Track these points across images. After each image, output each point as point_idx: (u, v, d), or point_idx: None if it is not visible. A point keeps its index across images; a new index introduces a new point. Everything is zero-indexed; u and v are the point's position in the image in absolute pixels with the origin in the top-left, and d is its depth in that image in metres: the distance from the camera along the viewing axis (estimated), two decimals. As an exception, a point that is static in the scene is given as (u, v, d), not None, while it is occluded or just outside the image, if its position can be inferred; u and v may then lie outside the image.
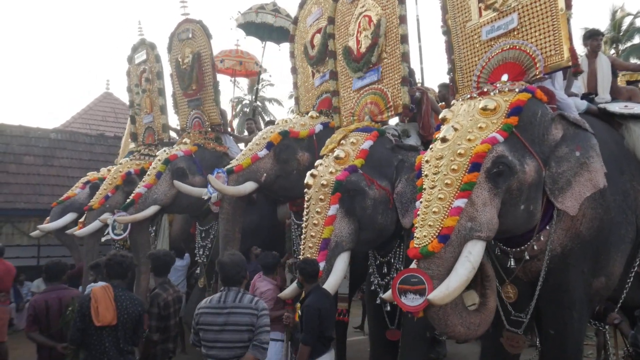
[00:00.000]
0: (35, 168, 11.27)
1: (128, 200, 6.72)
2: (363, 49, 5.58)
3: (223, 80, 12.14)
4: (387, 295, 3.82)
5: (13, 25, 57.65)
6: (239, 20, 10.23)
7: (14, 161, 11.12)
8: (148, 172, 6.93)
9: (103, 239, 7.49)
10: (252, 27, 10.36)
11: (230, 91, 35.24)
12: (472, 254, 3.29)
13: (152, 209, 6.56)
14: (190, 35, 7.60)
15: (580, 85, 5.19)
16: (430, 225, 3.37)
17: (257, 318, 3.28)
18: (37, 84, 50.42)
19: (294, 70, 7.13)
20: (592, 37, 5.44)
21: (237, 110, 28.65)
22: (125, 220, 6.54)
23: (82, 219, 7.67)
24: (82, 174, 9.48)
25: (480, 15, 4.45)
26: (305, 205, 4.86)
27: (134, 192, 6.74)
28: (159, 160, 6.90)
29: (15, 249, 10.34)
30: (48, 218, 8.43)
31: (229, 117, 9.84)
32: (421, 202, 3.56)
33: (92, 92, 31.88)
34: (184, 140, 7.22)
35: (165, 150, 7.15)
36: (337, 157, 4.88)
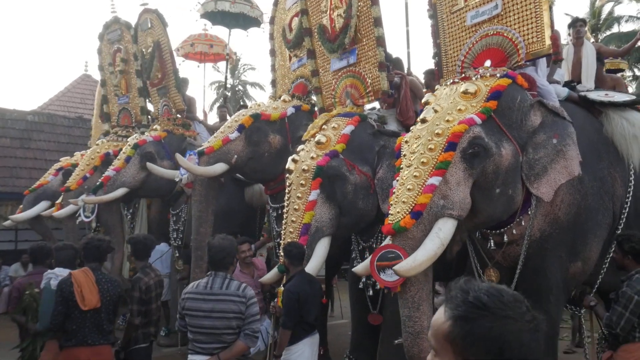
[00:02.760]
0: (11, 151, 11.04)
1: (97, 183, 6.90)
2: (337, 29, 5.49)
3: (200, 65, 11.94)
4: (361, 267, 3.85)
5: (-13, 4, 55.94)
6: (200, 11, 10.09)
7: (-10, 143, 10.88)
8: (118, 157, 7.13)
9: (45, 213, 7.72)
10: (217, 16, 10.20)
11: (209, 76, 34.79)
12: (442, 230, 3.35)
13: (120, 191, 6.76)
14: (149, 25, 7.79)
15: (564, 73, 5.23)
16: (403, 202, 3.42)
17: (246, 307, 3.26)
18: (13, 65, 49.18)
19: (272, 53, 7.07)
20: (575, 24, 5.48)
21: (219, 93, 28.37)
22: (92, 201, 6.76)
23: (59, 200, 7.60)
24: (60, 157, 9.31)
25: (466, 0, 4.44)
26: (286, 190, 4.85)
27: (103, 175, 6.94)
28: (129, 145, 7.11)
29: (-8, 233, 10.16)
30: (21, 207, 8.32)
31: (204, 102, 9.79)
32: (397, 181, 3.61)
33: (70, 73, 31.20)
34: (154, 127, 7.47)
35: (135, 136, 7.37)
36: (318, 142, 4.87)
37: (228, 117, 7.91)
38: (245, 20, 10.29)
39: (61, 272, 3.93)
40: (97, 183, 6.88)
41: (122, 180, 6.79)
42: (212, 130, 8.03)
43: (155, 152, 6.97)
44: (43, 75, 47.27)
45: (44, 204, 7.96)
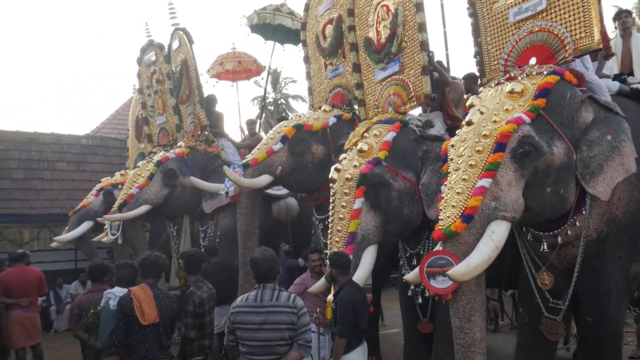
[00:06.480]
0: (68, 174, 11.57)
1: (121, 200, 7.03)
2: (383, 40, 5.53)
3: (234, 84, 11.75)
4: (412, 275, 3.79)
5: (41, 34, 59.26)
6: (253, 19, 9.57)
7: (48, 168, 11.45)
8: (142, 174, 7.22)
9: (95, 239, 7.93)
10: (269, 31, 9.85)
11: (252, 91, 35.29)
12: (496, 233, 3.25)
13: (142, 209, 6.90)
14: (178, 44, 7.99)
15: (612, 65, 5.04)
16: (453, 206, 3.34)
17: (297, 317, 3.25)
18: (66, 91, 51.72)
19: (306, 60, 7.10)
20: (620, 16, 5.28)
21: (261, 108, 28.78)
22: (115, 218, 6.89)
23: (106, 226, 7.77)
24: (114, 179, 9.64)
25: (508, -4, 4.35)
26: (330, 200, 4.86)
27: (127, 193, 7.06)
28: (152, 162, 7.22)
29: (53, 253, 10.63)
30: (67, 228, 8.55)
31: (240, 119, 9.70)
32: (445, 185, 3.54)
33: (119, 96, 32.52)
34: (179, 144, 7.61)
35: (160, 154, 7.46)
36: (360, 150, 4.86)
37: (263, 133, 7.95)
38: (296, 36, 10.17)
39: (120, 292, 4.02)
40: (122, 201, 7.01)
41: (145, 198, 6.92)
42: (241, 147, 8.14)
43: (177, 169, 7.06)
44: (94, 100, 49.41)
45: (87, 224, 8.20)
